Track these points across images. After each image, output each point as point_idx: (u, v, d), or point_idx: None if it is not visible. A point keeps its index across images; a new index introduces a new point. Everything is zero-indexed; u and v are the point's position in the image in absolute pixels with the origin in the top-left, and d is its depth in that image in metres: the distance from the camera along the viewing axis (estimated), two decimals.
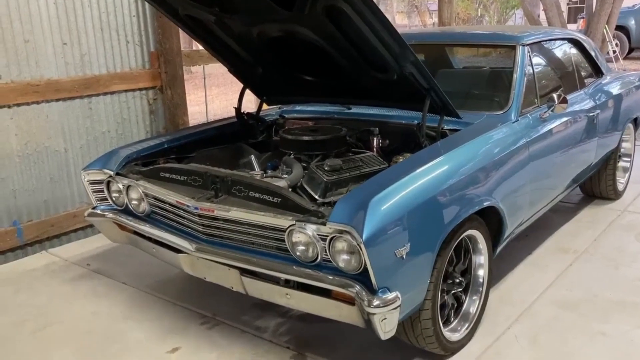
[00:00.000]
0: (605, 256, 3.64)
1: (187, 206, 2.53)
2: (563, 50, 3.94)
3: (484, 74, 3.74)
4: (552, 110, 3.19)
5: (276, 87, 3.45)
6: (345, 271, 2.13)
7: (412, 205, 2.18)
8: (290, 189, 2.53)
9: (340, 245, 2.11)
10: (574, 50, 4.03)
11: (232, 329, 2.86)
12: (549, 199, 3.45)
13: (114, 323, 2.97)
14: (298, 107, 3.77)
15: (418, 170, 2.34)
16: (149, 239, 2.83)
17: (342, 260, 2.12)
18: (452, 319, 2.67)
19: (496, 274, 3.37)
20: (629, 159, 4.86)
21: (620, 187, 4.71)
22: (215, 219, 2.47)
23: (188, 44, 13.79)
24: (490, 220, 2.79)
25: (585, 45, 4.13)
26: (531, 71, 3.31)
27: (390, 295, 2.07)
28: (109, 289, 3.35)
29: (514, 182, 2.87)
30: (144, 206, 2.84)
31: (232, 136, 3.46)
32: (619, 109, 4.30)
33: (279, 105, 3.85)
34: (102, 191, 3.02)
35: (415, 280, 2.24)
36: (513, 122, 3.01)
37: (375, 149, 3.08)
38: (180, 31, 4.38)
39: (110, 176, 2.94)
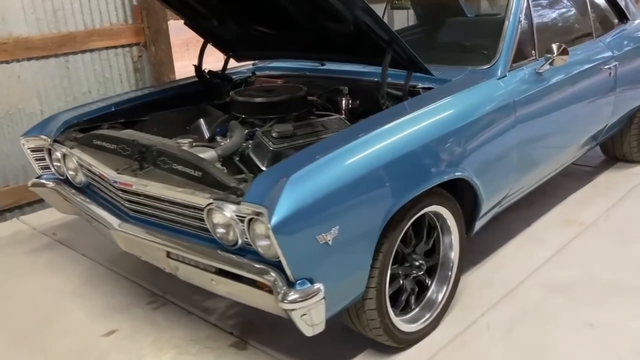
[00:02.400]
0: (616, 229, 3.21)
1: (108, 179, 2.28)
2: None
3: (474, 23, 3.28)
4: (550, 64, 2.75)
5: (239, 42, 3.11)
6: (266, 257, 1.84)
7: (342, 182, 1.84)
8: (221, 161, 2.23)
9: (259, 228, 1.82)
10: None
11: (179, 310, 2.64)
12: (545, 169, 3.02)
13: (61, 299, 2.80)
14: (273, 64, 3.43)
15: (358, 140, 1.99)
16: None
17: (261, 245, 1.83)
18: (413, 306, 2.36)
19: (482, 250, 3.03)
20: None
21: None
22: (136, 194, 2.20)
23: None
24: (465, 194, 2.43)
25: None
26: (529, 17, 2.84)
27: (312, 288, 1.77)
28: (68, 261, 3.18)
29: (494, 150, 2.48)
30: (80, 177, 2.61)
31: (197, 97, 3.16)
32: None
33: (253, 62, 3.52)
34: (44, 159, 2.80)
35: (350, 267, 1.93)
36: (498, 79, 2.59)
37: (343, 111, 2.73)
38: None
39: (50, 143, 2.71)
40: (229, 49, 3.21)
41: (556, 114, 2.89)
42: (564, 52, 2.71)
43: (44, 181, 2.81)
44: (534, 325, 2.40)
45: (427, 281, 2.41)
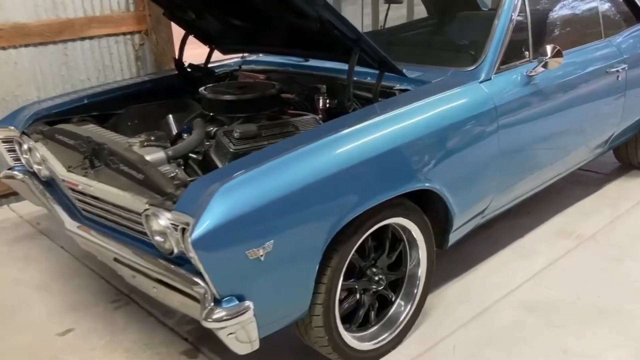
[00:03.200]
0: (614, 245, 3.00)
1: (57, 177, 2.21)
2: None
3: (464, 19, 3.07)
4: (544, 66, 2.55)
5: (222, 35, 3.00)
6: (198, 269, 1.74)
7: (280, 193, 1.71)
8: (171, 162, 2.12)
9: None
10: None
11: (140, 311, 2.57)
12: (536, 180, 2.82)
13: (28, 294, 2.77)
14: (260, 58, 3.31)
15: (307, 147, 1.85)
16: None
17: (193, 257, 1.72)
18: (373, 322, 2.22)
19: (465, 261, 2.87)
20: None
21: None
22: (82, 193, 2.13)
23: None
24: (437, 205, 2.28)
25: None
26: (524, 15, 2.64)
27: (240, 306, 1.66)
28: (44, 252, 3.15)
29: (470, 159, 2.31)
30: (45, 171, 2.55)
31: (178, 90, 3.07)
32: None
33: (242, 55, 3.41)
34: (15, 150, 2.75)
35: (289, 284, 1.81)
36: (481, 82, 2.41)
37: (320, 111, 2.59)
38: None
39: (19, 135, 2.66)
40: (212, 42, 3.10)
41: (549, 121, 2.69)
42: (558, 54, 2.51)
43: (14, 173, 2.77)
44: (504, 349, 2.24)
45: (390, 296, 2.27)
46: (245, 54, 3.40)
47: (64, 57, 4.16)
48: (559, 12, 3.04)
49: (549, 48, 2.52)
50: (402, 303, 2.29)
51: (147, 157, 2.04)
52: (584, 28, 3.14)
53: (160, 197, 1.83)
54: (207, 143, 2.35)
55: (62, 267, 2.98)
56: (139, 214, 1.86)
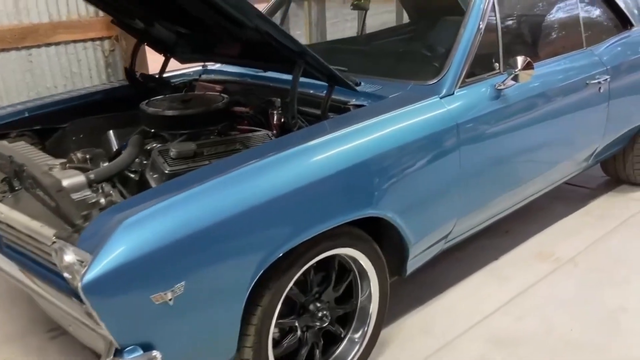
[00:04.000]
0: (595, 269, 2.80)
1: None
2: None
3: (431, 28, 2.87)
4: (514, 79, 2.35)
5: (176, 43, 2.81)
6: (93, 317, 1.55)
7: (195, 228, 1.52)
8: (93, 186, 1.94)
9: None
10: None
11: (75, 343, 2.38)
12: (508, 200, 2.63)
13: None
14: (222, 68, 3.12)
15: (232, 173, 1.67)
16: None
17: None
18: None
19: (433, 285, 2.68)
20: None
21: None
22: None
23: None
24: (391, 232, 2.08)
25: None
26: (494, 24, 2.44)
27: (145, 356, 1.48)
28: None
29: (427, 182, 2.11)
30: None
31: (131, 102, 2.88)
32: None
33: (202, 64, 3.22)
34: None
35: (208, 328, 1.62)
36: (442, 97, 2.21)
37: (274, 126, 2.41)
38: None
39: None
40: (168, 50, 2.92)
41: (521, 137, 2.49)
42: (528, 67, 2.31)
43: None
44: None
45: (340, 332, 2.08)
46: (207, 63, 3.22)
47: (28, 63, 3.99)
48: (535, 20, 2.84)
49: (519, 60, 2.32)
50: (353, 339, 2.09)
51: (64, 182, 1.84)
52: (564, 37, 2.94)
53: (70, 229, 1.65)
54: (145, 162, 2.17)
55: (8, 293, 2.80)
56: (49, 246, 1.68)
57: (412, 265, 2.24)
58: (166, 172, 1.97)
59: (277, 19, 3.24)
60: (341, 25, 3.40)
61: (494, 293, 2.63)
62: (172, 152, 2.03)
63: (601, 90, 2.89)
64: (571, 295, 2.59)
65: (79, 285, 1.37)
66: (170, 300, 1.48)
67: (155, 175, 2.04)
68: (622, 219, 3.28)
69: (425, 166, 2.09)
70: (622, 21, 3.25)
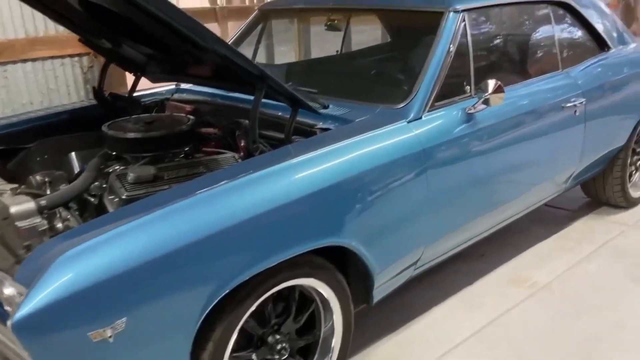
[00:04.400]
0: (570, 296, 2.74)
1: None
2: (538, 19, 2.93)
3: (402, 50, 2.84)
4: (485, 103, 2.31)
5: (147, 62, 2.77)
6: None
7: (140, 260, 1.45)
8: (45, 213, 1.87)
9: None
10: (559, 18, 3.00)
11: None
12: (480, 224, 2.57)
13: None
14: (193, 87, 3.07)
15: (182, 202, 1.61)
16: None
17: None
18: None
19: (402, 313, 2.61)
20: None
21: (636, 192, 3.68)
22: None
23: None
24: (356, 260, 2.03)
25: (581, 10, 3.09)
26: (466, 47, 2.41)
27: None
28: None
29: (390, 209, 2.05)
30: None
31: (100, 122, 2.82)
32: (632, 93, 3.27)
33: (175, 83, 3.17)
34: None
35: None
36: (409, 121, 2.17)
37: (241, 148, 2.35)
38: None
39: None
40: (138, 69, 2.87)
41: (492, 161, 2.44)
42: (499, 90, 2.27)
43: None
44: None
45: None
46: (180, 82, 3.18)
47: (4, 79, 3.94)
48: (509, 43, 2.81)
49: (490, 83, 2.28)
50: None
51: (12, 209, 1.78)
52: (539, 59, 2.91)
53: (13, 259, 1.59)
54: (104, 186, 2.11)
55: None
56: None
57: (379, 293, 2.18)
58: (123, 197, 1.91)
59: (254, 36, 3.20)
60: (331, 42, 3.36)
61: (466, 320, 2.57)
62: (130, 177, 1.98)
63: (577, 113, 2.86)
64: (545, 325, 2.53)
65: (9, 323, 1.31)
66: (110, 337, 1.41)
67: (113, 200, 1.98)
68: (600, 243, 3.23)
69: (391, 192, 2.04)
70: (599, 43, 3.23)
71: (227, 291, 1.61)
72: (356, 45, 3.11)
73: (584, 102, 2.87)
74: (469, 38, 2.42)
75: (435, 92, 2.27)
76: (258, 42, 3.19)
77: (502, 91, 2.27)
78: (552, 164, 2.87)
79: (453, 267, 2.95)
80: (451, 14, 2.39)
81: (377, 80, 2.59)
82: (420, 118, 2.20)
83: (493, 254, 3.11)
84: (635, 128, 3.38)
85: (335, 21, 2.81)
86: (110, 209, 1.96)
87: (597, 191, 3.61)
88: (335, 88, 2.50)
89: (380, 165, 2.01)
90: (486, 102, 2.30)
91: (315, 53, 3.09)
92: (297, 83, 2.55)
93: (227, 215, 1.63)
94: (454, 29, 2.37)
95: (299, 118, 2.24)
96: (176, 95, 3.01)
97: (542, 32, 2.92)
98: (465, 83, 2.40)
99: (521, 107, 2.56)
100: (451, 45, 2.34)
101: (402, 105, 2.21)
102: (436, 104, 2.28)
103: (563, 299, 2.72)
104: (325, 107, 2.31)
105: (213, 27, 5.55)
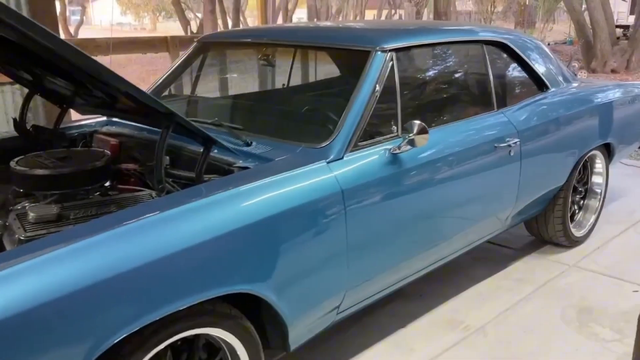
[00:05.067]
0: (503, 340, 2.68)
1: None
2: (472, 58, 2.94)
3: (329, 89, 2.81)
4: (410, 144, 2.27)
5: (70, 94, 2.68)
6: None
7: (6, 314, 1.35)
8: None
9: None
10: (495, 58, 3.01)
11: None
12: (410, 267, 2.51)
13: None
14: (122, 121, 2.98)
15: (73, 245, 1.51)
16: None
17: None
18: None
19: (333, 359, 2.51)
20: (599, 196, 3.80)
21: (579, 231, 3.68)
22: None
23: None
24: (269, 306, 1.94)
25: (519, 51, 3.11)
26: (393, 87, 2.38)
27: None
28: None
29: (306, 253, 1.98)
30: None
31: (23, 154, 2.72)
32: (570, 132, 3.28)
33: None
34: None
35: None
36: (329, 161, 2.11)
37: None
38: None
39: None
40: (63, 101, 2.78)
41: (417, 203, 2.39)
42: (422, 131, 2.24)
43: None
44: None
45: None
46: None
47: None
48: (440, 82, 2.80)
49: (414, 124, 2.25)
50: None
51: None
52: (473, 99, 2.91)
53: None
54: (7, 224, 2.00)
55: None
56: None
57: (297, 340, 2.10)
58: (22, 238, 1.81)
59: (194, 67, 3.14)
60: (269, 76, 3.31)
61: None
62: (30, 216, 1.88)
63: (512, 154, 2.84)
64: None
65: None
66: None
67: (11, 240, 1.87)
68: (539, 284, 3.20)
69: (307, 236, 1.97)
70: (538, 84, 3.25)
71: (109, 345, 1.51)
72: (295, 81, 3.07)
73: (518, 142, 2.87)
74: (397, 78, 2.39)
75: (359, 132, 2.22)
76: (197, 73, 3.13)
77: (426, 132, 2.24)
78: (486, 204, 2.84)
79: (389, 307, 2.89)
80: (378, 53, 2.37)
81: (303, 119, 2.54)
82: (342, 158, 2.15)
83: (431, 294, 3.05)
84: (575, 167, 3.39)
85: (269, 56, 2.77)
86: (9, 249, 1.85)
87: (540, 230, 3.59)
88: (262, 125, 2.46)
89: (294, 207, 1.94)
90: (411, 142, 2.26)
91: (251, 88, 3.04)
92: (225, 118, 2.48)
93: (115, 261, 1.54)
94: (380, 68, 2.34)
95: (218, 155, 2.19)
96: (105, 128, 2.91)
97: (476, 72, 2.92)
98: (392, 123, 2.37)
99: (450, 148, 2.53)
100: (377, 85, 2.31)
101: (323, 145, 2.16)
102: (360, 143, 2.23)
103: (495, 343, 2.66)
104: (248, 145, 2.25)
105: (164, 56, 5.53)
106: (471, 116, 2.76)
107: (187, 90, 3.03)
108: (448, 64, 2.89)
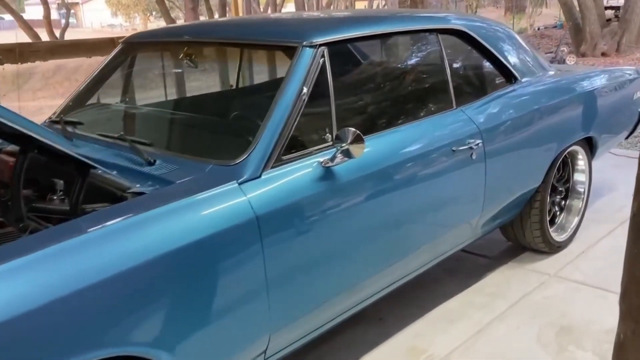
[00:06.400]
0: None
1: None
2: (424, 50, 2.59)
3: (250, 95, 2.45)
4: (346, 155, 1.93)
5: None
6: None
7: None
8: None
9: None
10: (453, 49, 2.66)
11: None
12: (357, 293, 2.17)
13: None
14: None
15: None
16: None
17: None
18: None
19: None
20: (582, 196, 3.46)
21: (561, 236, 3.34)
22: None
23: None
24: None
25: (481, 39, 2.75)
26: (326, 89, 2.03)
27: None
28: None
29: (212, 297, 1.64)
30: None
31: None
32: (545, 127, 2.93)
33: None
34: None
35: None
36: (243, 182, 1.77)
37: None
38: None
39: None
40: None
41: (357, 222, 2.05)
42: (357, 140, 1.89)
43: None
44: None
45: None
46: None
47: None
48: (385, 80, 2.45)
49: (348, 132, 1.90)
50: None
51: None
52: (426, 97, 2.56)
53: None
54: None
55: None
56: None
57: None
58: None
59: (120, 71, 2.78)
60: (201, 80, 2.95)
61: None
62: None
63: (473, 157, 2.50)
64: None
65: None
66: None
67: None
68: (515, 299, 2.86)
69: (213, 276, 1.63)
70: (506, 75, 2.90)
71: None
72: (215, 85, 2.72)
73: (480, 143, 2.52)
74: (330, 77, 2.04)
75: (282, 143, 1.88)
76: (120, 78, 2.78)
77: (362, 140, 1.90)
78: (447, 215, 2.49)
79: (345, 335, 2.56)
80: (306, 49, 2.02)
81: (217, 131, 2.19)
82: (259, 177, 1.81)
83: (393, 317, 2.72)
84: (552, 166, 3.05)
85: (192, 57, 2.41)
86: None
87: (517, 236, 3.25)
88: (172, 139, 2.11)
89: (194, 242, 1.60)
90: (347, 153, 1.92)
91: (171, 94, 2.69)
92: (134, 131, 2.14)
93: None
94: (308, 66, 1.99)
95: (114, 178, 1.84)
96: (11, 147, 2.56)
97: (430, 66, 2.56)
98: (327, 131, 2.02)
99: (396, 156, 2.18)
100: (305, 87, 1.97)
101: (236, 162, 1.81)
102: (285, 157, 1.89)
103: None
104: (151, 164, 1.90)
105: None
106: (424, 117, 2.41)
107: (106, 98, 2.67)
108: (395, 59, 2.54)
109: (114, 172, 1.89)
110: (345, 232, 1.99)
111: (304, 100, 1.95)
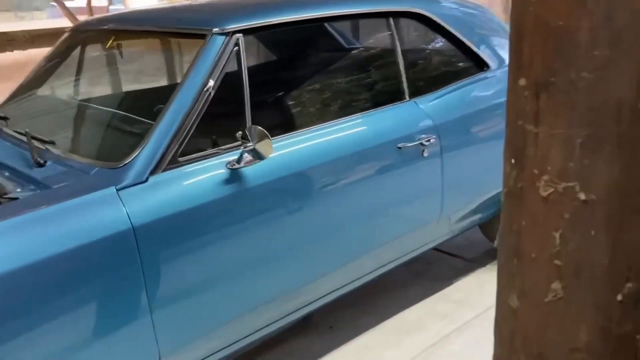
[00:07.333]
0: None
1: None
2: (371, 37, 2.33)
3: (156, 89, 2.25)
4: (253, 156, 1.73)
5: None
6: None
7: None
8: None
9: None
10: (407, 34, 2.40)
11: None
12: (282, 306, 1.97)
13: None
14: None
15: None
16: None
17: None
18: None
19: None
20: None
21: None
22: None
23: None
24: None
25: (444, 22, 2.47)
26: (240, 81, 1.82)
27: None
28: None
29: (86, 322, 1.47)
30: None
31: None
32: None
33: None
34: None
35: None
36: (121, 188, 1.59)
37: None
38: None
39: None
40: None
41: (270, 232, 1.83)
42: (262, 136, 1.69)
43: None
44: None
45: None
46: None
47: None
48: (323, 70, 2.21)
49: (254, 130, 1.70)
50: None
51: None
52: (371, 88, 2.31)
53: None
54: None
55: None
56: None
57: None
58: None
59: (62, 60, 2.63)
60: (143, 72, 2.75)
61: None
62: None
63: (425, 154, 2.25)
64: None
65: None
66: None
67: None
68: (482, 308, 2.60)
69: (84, 298, 1.46)
70: (476, 62, 2.62)
71: None
72: (126, 78, 2.53)
73: (435, 139, 2.27)
74: (244, 69, 1.83)
75: (177, 142, 1.69)
76: (62, 68, 2.63)
77: (267, 137, 1.69)
78: (394, 217, 2.25)
79: (290, 344, 2.38)
80: (216, 37, 1.81)
81: (113, 128, 2.01)
82: (145, 181, 1.62)
83: (344, 326, 2.51)
84: None
85: (118, 45, 2.24)
86: None
87: (496, 235, 2.99)
88: (74, 138, 1.95)
89: (59, 254, 1.43)
90: (255, 153, 1.72)
91: (100, 87, 2.51)
92: (42, 129, 1.98)
93: None
94: (216, 56, 1.79)
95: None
96: None
97: (377, 54, 2.31)
98: (234, 130, 1.81)
99: (322, 156, 1.95)
100: (211, 80, 1.76)
101: (120, 164, 1.63)
102: (181, 159, 1.70)
103: None
104: (41, 165, 1.75)
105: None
106: (364, 112, 2.16)
107: (47, 90, 2.53)
108: (333, 47, 2.29)
109: (6, 174, 1.76)
110: (254, 243, 1.79)
111: (210, 94, 1.75)
